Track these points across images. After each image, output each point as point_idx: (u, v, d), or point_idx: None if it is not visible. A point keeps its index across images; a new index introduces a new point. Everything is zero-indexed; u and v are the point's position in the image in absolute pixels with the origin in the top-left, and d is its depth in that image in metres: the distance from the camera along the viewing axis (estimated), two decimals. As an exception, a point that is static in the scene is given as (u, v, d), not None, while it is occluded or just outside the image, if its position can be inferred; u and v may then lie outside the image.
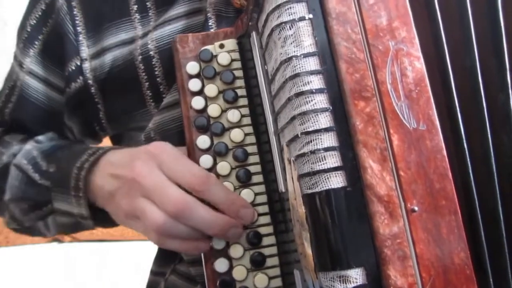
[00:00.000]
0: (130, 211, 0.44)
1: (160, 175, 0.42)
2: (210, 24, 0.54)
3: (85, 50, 0.57)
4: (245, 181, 0.45)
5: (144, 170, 0.43)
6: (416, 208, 0.33)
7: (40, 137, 0.58)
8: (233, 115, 0.45)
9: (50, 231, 0.57)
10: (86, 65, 0.57)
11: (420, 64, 0.35)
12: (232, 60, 0.47)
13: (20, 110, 0.61)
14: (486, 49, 0.37)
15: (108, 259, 1.90)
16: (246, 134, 0.45)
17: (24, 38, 0.60)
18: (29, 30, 0.60)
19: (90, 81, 0.56)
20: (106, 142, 0.64)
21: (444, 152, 0.34)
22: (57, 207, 0.53)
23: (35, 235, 0.60)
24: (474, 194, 0.36)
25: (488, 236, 0.36)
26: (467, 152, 0.36)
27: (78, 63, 0.57)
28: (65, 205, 0.52)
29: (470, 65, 0.37)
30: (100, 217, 0.52)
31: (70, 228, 0.55)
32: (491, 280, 0.34)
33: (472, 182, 0.36)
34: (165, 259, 0.62)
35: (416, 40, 0.35)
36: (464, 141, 0.36)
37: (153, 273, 0.64)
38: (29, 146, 0.56)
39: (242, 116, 0.46)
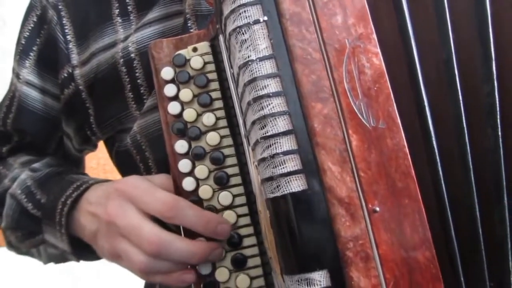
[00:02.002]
0: (112, 252, 0.45)
1: (133, 212, 0.43)
2: (189, 25, 0.54)
3: (75, 58, 0.58)
4: (223, 183, 0.45)
5: (116, 210, 0.44)
6: (377, 209, 0.32)
7: (36, 165, 0.60)
8: (208, 119, 0.45)
9: (43, 259, 0.60)
10: (77, 72, 0.58)
11: (378, 61, 0.34)
12: (206, 63, 0.46)
13: (21, 120, 0.63)
14: (466, 39, 0.36)
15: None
16: (222, 137, 0.45)
17: (20, 51, 0.62)
18: (23, 42, 0.62)
19: (81, 87, 0.58)
20: (102, 146, 0.65)
21: (406, 150, 0.33)
22: (47, 239, 0.55)
23: (33, 258, 0.63)
24: (444, 192, 0.35)
25: (463, 234, 0.35)
26: (436, 148, 0.35)
27: (70, 70, 0.58)
28: (52, 238, 0.54)
29: (446, 58, 0.36)
30: (85, 253, 0.53)
31: (58, 259, 0.58)
32: (461, 278, 0.34)
33: (442, 180, 0.35)
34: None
35: (374, 36, 0.34)
36: (433, 137, 0.35)
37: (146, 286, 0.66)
38: (24, 175, 0.59)
39: (218, 118, 0.46)
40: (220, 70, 0.46)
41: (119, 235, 0.43)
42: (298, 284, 0.33)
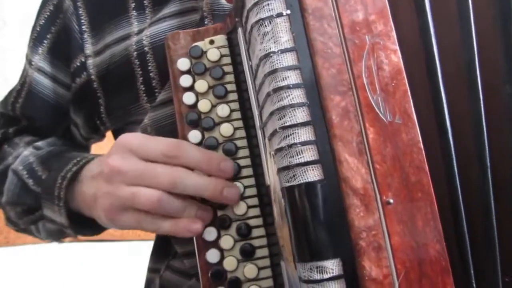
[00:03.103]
0: (116, 204, 0.44)
1: (137, 160, 0.43)
2: (206, 22, 0.55)
3: (89, 48, 0.59)
4: (234, 174, 0.45)
5: (119, 161, 0.43)
6: (391, 201, 0.33)
7: (39, 143, 0.61)
8: (222, 110, 0.46)
9: (41, 236, 0.60)
10: (90, 62, 0.59)
11: (397, 58, 0.35)
12: (222, 56, 0.47)
13: (29, 105, 0.64)
14: (489, 40, 0.36)
15: (108, 259, 1.92)
16: (235, 129, 0.46)
17: (34, 37, 0.63)
18: (38, 29, 0.63)
19: (92, 77, 0.59)
20: (110, 136, 0.66)
21: (421, 145, 0.34)
22: (45, 214, 0.55)
23: (31, 235, 0.63)
24: (458, 188, 0.36)
25: (476, 229, 0.35)
26: (452, 146, 0.36)
27: (83, 60, 0.59)
28: (51, 213, 0.54)
29: (468, 58, 0.36)
30: (83, 227, 0.54)
31: (56, 235, 0.58)
32: (471, 271, 0.35)
33: (456, 176, 0.36)
34: (160, 254, 0.64)
35: (393, 34, 0.35)
36: (450, 135, 0.36)
37: (149, 270, 0.66)
38: (27, 152, 0.59)
39: (232, 110, 0.47)
40: (236, 63, 0.47)
41: (125, 184, 0.43)
42: (310, 272, 0.34)
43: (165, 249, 0.63)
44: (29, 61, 0.63)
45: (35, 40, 0.63)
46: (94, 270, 1.82)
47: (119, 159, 0.43)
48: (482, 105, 0.35)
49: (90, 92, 0.59)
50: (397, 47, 0.35)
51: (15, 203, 0.58)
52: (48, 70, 0.62)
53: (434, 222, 0.33)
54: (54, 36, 0.62)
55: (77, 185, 0.51)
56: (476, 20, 0.35)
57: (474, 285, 0.33)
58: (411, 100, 0.34)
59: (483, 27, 0.35)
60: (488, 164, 0.34)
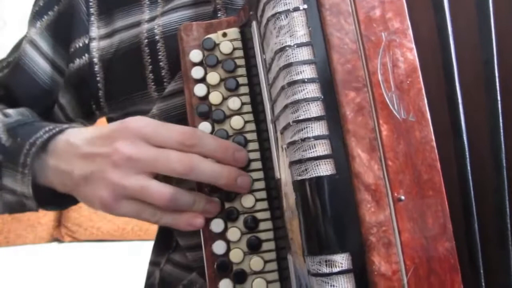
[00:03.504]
0: (120, 193, 0.42)
1: (149, 147, 0.42)
2: (219, 15, 0.55)
3: (95, 30, 0.59)
4: (244, 167, 0.46)
5: (130, 147, 0.42)
6: (402, 197, 0.33)
7: (9, 110, 0.58)
8: (233, 103, 0.46)
9: None
10: (94, 44, 0.58)
11: (412, 56, 0.35)
12: (234, 49, 0.47)
13: (12, 77, 0.61)
14: (508, 41, 0.36)
15: (108, 259, 1.91)
16: (246, 122, 0.46)
17: (34, 12, 0.62)
18: (41, 4, 0.62)
19: (95, 59, 0.58)
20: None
21: (434, 144, 0.34)
22: (4, 183, 0.51)
23: None
24: (471, 187, 0.36)
25: (488, 228, 0.35)
26: (466, 145, 0.36)
27: (86, 42, 0.59)
28: (11, 182, 0.50)
29: (486, 59, 0.36)
30: (48, 201, 0.51)
31: (14, 207, 0.54)
32: (481, 270, 0.35)
33: (469, 176, 0.36)
34: (161, 247, 0.64)
35: (410, 31, 0.35)
36: (464, 134, 0.36)
37: (151, 263, 0.66)
38: None
39: (243, 104, 0.47)
40: (248, 56, 0.47)
41: (136, 172, 0.42)
42: (320, 265, 0.34)
43: (166, 242, 0.63)
44: (25, 34, 0.62)
45: (35, 14, 0.62)
46: (94, 270, 1.82)
47: (130, 146, 0.42)
48: (499, 106, 0.35)
49: (89, 75, 0.58)
50: (413, 45, 0.35)
51: None
52: (41, 46, 0.60)
53: (444, 220, 0.34)
54: (55, 15, 0.61)
55: (48, 157, 0.47)
56: (497, 21, 0.35)
57: (483, 284, 0.34)
58: (425, 99, 0.35)
59: (503, 27, 0.35)
60: (504, 164, 0.35)
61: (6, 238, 2.10)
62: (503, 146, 0.35)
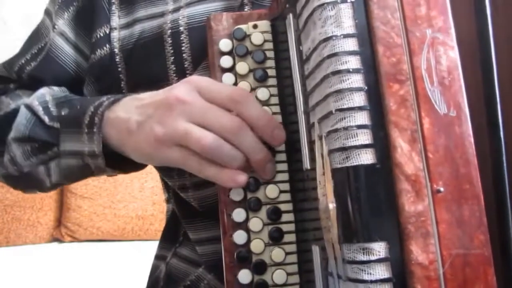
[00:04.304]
0: (167, 136, 0.43)
1: (203, 100, 0.43)
2: (246, 9, 0.55)
3: (116, 20, 0.59)
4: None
5: (186, 94, 0.43)
6: (441, 189, 0.34)
7: (54, 87, 0.59)
8: (262, 93, 0.47)
9: (51, 177, 0.56)
10: (115, 34, 0.58)
11: (454, 54, 0.36)
12: (265, 41, 0.48)
13: (44, 69, 0.61)
14: None
15: (108, 259, 1.90)
16: (273, 113, 0.47)
17: (60, 1, 0.62)
18: None
19: (116, 50, 0.58)
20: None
21: (472, 139, 0.35)
22: (65, 149, 0.52)
23: (31, 183, 0.58)
24: (506, 182, 0.37)
25: None
26: (503, 142, 0.37)
27: (107, 31, 0.59)
28: (75, 144, 0.51)
29: None
30: (112, 160, 0.51)
31: (75, 172, 0.54)
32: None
33: (505, 172, 0.37)
34: (168, 241, 0.63)
35: (452, 31, 0.36)
36: (501, 132, 0.37)
37: (156, 257, 0.65)
38: (43, 90, 0.57)
39: (271, 95, 0.47)
40: (278, 49, 0.48)
41: (186, 117, 0.43)
42: (356, 253, 0.34)
43: (173, 235, 0.62)
44: (52, 25, 0.62)
45: (62, 4, 0.61)
46: (94, 270, 1.79)
47: (185, 92, 0.43)
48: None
49: (111, 65, 0.58)
50: (455, 44, 0.36)
51: (25, 140, 0.54)
52: (71, 37, 0.61)
53: (479, 213, 0.34)
54: (79, 5, 0.61)
55: (110, 113, 0.49)
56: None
57: (516, 277, 0.35)
58: (465, 96, 0.36)
59: None
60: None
61: (6, 238, 2.08)
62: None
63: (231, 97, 0.43)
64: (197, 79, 0.45)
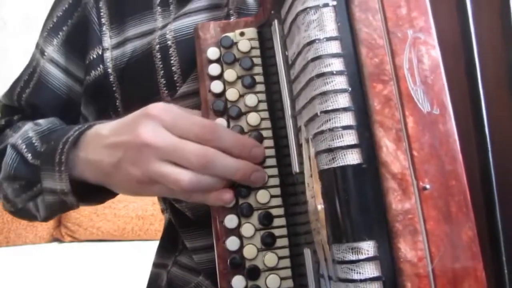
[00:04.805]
0: (145, 177, 0.44)
1: (169, 135, 0.43)
2: (232, 19, 0.56)
3: (107, 40, 0.59)
4: (259, 163, 0.46)
5: (151, 134, 0.43)
6: (427, 186, 0.34)
7: (40, 120, 0.60)
8: (250, 99, 0.47)
9: (40, 213, 0.58)
10: (107, 54, 0.59)
11: (435, 53, 0.37)
12: (252, 48, 0.48)
13: (37, 96, 0.63)
14: None
15: (108, 259, 1.91)
16: (262, 119, 0.47)
17: (49, 28, 0.63)
18: (55, 20, 0.63)
19: (109, 70, 0.59)
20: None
21: (456, 136, 0.36)
22: (45, 186, 0.53)
23: (28, 218, 0.61)
24: (492, 178, 0.37)
25: (510, 219, 0.36)
26: (488, 138, 0.37)
27: (100, 52, 0.59)
28: (51, 182, 0.52)
29: (509, 58, 0.38)
30: (87, 195, 0.52)
31: (56, 207, 0.55)
32: (503, 258, 0.36)
33: (491, 168, 0.37)
34: (167, 249, 0.63)
35: (433, 30, 0.37)
36: (487, 128, 0.37)
37: (155, 265, 0.65)
38: (27, 127, 0.58)
39: (259, 101, 0.47)
40: (265, 55, 0.48)
41: (156, 159, 0.43)
42: (345, 253, 0.35)
43: (172, 244, 0.62)
44: (40, 51, 0.63)
45: (51, 30, 0.62)
46: (94, 270, 1.79)
47: (151, 133, 0.43)
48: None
49: (105, 85, 0.59)
50: (436, 43, 0.37)
51: (12, 178, 0.56)
52: (61, 62, 0.62)
53: (467, 209, 0.35)
54: (69, 30, 0.62)
55: (79, 151, 0.50)
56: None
57: (506, 271, 0.35)
58: (448, 94, 0.36)
59: None
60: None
61: (6, 238, 2.09)
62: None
63: (200, 135, 0.43)
64: (160, 113, 0.44)
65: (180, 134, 0.43)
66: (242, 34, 0.49)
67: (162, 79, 0.57)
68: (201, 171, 0.43)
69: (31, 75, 0.63)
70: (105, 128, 0.49)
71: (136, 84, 0.59)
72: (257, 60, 0.49)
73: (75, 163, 0.50)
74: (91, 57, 0.59)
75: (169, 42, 0.56)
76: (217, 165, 0.43)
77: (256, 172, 0.44)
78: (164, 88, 0.57)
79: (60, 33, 0.62)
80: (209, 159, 0.43)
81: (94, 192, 0.52)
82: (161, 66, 0.56)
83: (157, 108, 0.45)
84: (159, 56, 0.56)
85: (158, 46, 0.56)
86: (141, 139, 0.43)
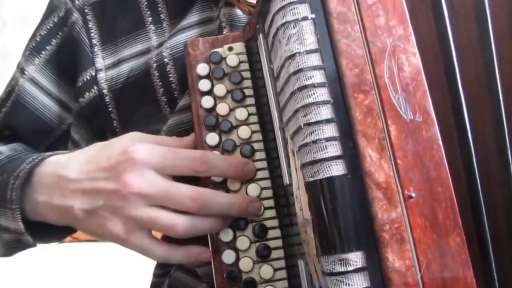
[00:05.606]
0: (133, 226, 0.42)
1: (159, 180, 0.41)
2: (224, 32, 0.56)
3: (100, 61, 0.59)
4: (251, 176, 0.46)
5: (140, 182, 0.41)
6: (413, 195, 0.34)
7: (2, 148, 0.57)
8: (240, 113, 0.48)
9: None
10: (101, 75, 0.59)
11: (416, 60, 0.37)
12: (240, 62, 0.49)
13: (14, 115, 0.61)
14: (507, 46, 0.38)
15: (108, 259, 1.91)
16: (253, 132, 0.47)
17: (32, 47, 0.62)
18: (38, 39, 0.61)
19: (104, 91, 0.58)
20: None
21: (440, 142, 0.36)
22: (1, 224, 0.49)
23: None
24: (478, 182, 0.37)
25: (498, 222, 0.36)
26: (471, 143, 0.37)
27: (93, 73, 0.59)
28: (5, 220, 0.48)
29: (487, 62, 0.38)
30: (45, 234, 0.49)
31: (13, 246, 0.51)
32: (493, 263, 0.36)
33: (476, 172, 0.37)
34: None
35: (412, 37, 0.37)
36: (469, 132, 0.37)
37: (155, 275, 0.65)
38: None
39: (249, 114, 0.48)
40: (253, 69, 0.49)
41: (146, 205, 0.41)
42: (334, 265, 0.35)
43: None
44: (21, 70, 0.61)
45: (33, 49, 0.61)
46: (94, 270, 1.80)
47: (139, 180, 0.41)
48: (502, 103, 0.37)
49: (101, 106, 0.59)
50: (416, 50, 0.37)
51: None
52: (42, 83, 0.60)
53: (454, 215, 0.34)
54: (55, 49, 0.61)
55: (38, 195, 0.46)
56: (494, 22, 0.37)
57: (496, 277, 0.34)
58: (430, 100, 0.36)
59: (500, 29, 0.37)
60: (510, 160, 0.36)
61: None
62: (508, 143, 0.36)
63: (195, 169, 0.42)
64: (145, 155, 0.41)
65: (171, 173, 0.42)
66: (230, 49, 0.50)
67: (163, 97, 0.57)
68: (198, 212, 0.42)
69: (9, 94, 0.61)
70: (70, 169, 0.44)
71: (135, 104, 0.58)
72: (246, 74, 0.49)
73: (34, 206, 0.46)
74: (84, 79, 0.58)
75: (166, 60, 0.56)
76: (214, 205, 0.42)
77: (252, 204, 0.44)
78: (166, 106, 0.57)
79: (43, 52, 0.60)
80: (205, 200, 0.42)
81: (54, 231, 0.48)
82: (160, 84, 0.57)
83: (139, 150, 0.42)
84: (157, 74, 0.57)
85: (155, 64, 0.56)
86: (129, 188, 0.41)
